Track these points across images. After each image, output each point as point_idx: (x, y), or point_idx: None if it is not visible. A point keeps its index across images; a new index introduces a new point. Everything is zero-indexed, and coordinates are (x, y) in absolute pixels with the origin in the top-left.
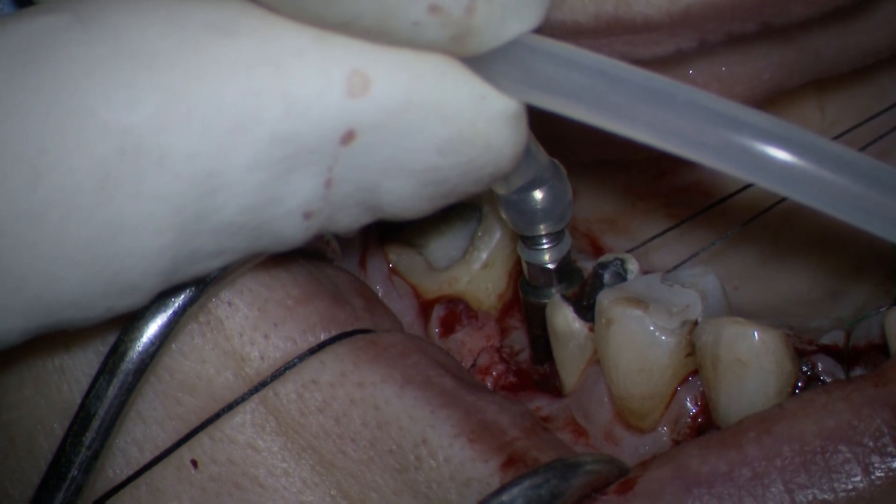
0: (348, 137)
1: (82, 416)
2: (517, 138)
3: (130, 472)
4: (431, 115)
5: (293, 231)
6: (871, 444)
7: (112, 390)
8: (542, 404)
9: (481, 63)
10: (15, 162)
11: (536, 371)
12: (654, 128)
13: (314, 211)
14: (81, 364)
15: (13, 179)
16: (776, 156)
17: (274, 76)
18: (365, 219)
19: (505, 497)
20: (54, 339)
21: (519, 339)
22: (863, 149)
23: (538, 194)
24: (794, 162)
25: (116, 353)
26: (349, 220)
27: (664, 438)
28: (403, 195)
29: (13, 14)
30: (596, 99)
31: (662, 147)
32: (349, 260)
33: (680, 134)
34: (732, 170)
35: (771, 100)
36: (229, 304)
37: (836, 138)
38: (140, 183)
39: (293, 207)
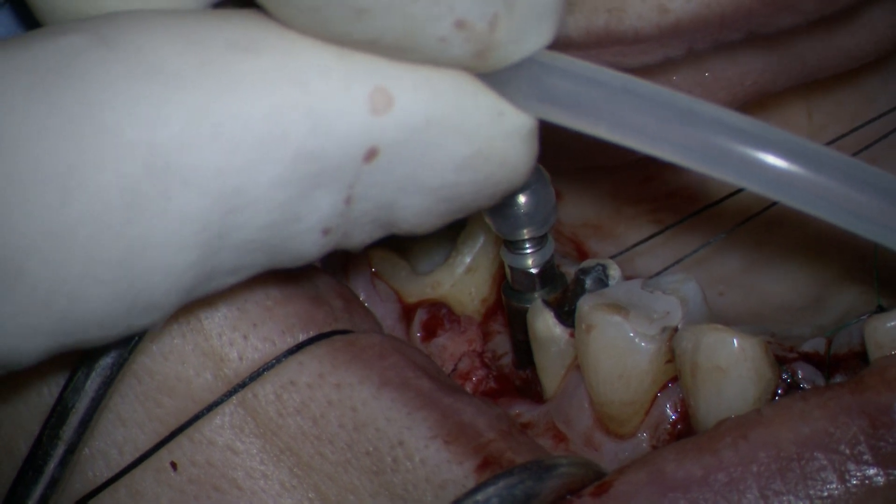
0: (371, 155)
1: (60, 410)
2: (531, 154)
3: (110, 475)
4: (451, 132)
5: (310, 247)
6: (847, 451)
7: (90, 384)
8: (523, 410)
9: (496, 79)
10: (44, 181)
11: (518, 376)
12: (679, 146)
13: (332, 227)
14: (62, 367)
15: (42, 198)
16: (806, 175)
17: (298, 93)
18: (378, 234)
19: (479, 497)
20: None
21: (502, 343)
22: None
23: (521, 198)
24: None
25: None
26: (363, 235)
27: (644, 445)
28: (419, 211)
29: (30, 34)
30: (617, 117)
31: (686, 165)
32: (332, 263)
33: (705, 152)
34: (759, 188)
35: (759, 105)
36: (209, 303)
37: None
38: (167, 200)
39: (313, 224)
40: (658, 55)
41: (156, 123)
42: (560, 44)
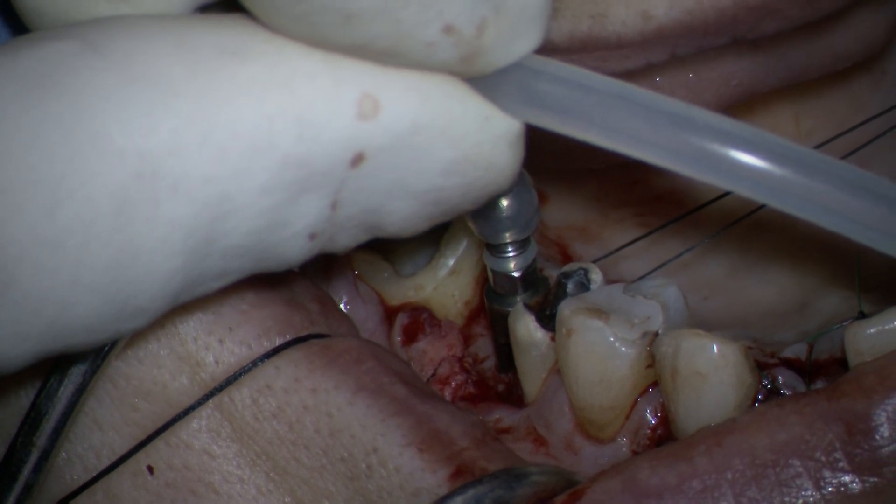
0: (357, 160)
1: (33, 416)
2: (517, 158)
3: (87, 479)
4: (438, 137)
5: (296, 252)
6: (822, 458)
7: (63, 390)
8: (503, 415)
9: (484, 84)
10: (34, 189)
11: (501, 380)
12: (667, 150)
13: (318, 232)
14: (39, 370)
15: (32, 206)
16: (797, 179)
17: (287, 99)
18: (363, 238)
19: None
20: None
21: (485, 346)
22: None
23: (504, 202)
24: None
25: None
26: (349, 239)
27: (624, 449)
28: (405, 215)
29: (17, 40)
30: (606, 121)
31: (675, 169)
32: (314, 266)
33: (696, 157)
34: (749, 193)
35: (747, 111)
36: (184, 307)
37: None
38: (156, 207)
39: (299, 229)
40: (640, 60)
41: (145, 130)
42: (543, 49)
